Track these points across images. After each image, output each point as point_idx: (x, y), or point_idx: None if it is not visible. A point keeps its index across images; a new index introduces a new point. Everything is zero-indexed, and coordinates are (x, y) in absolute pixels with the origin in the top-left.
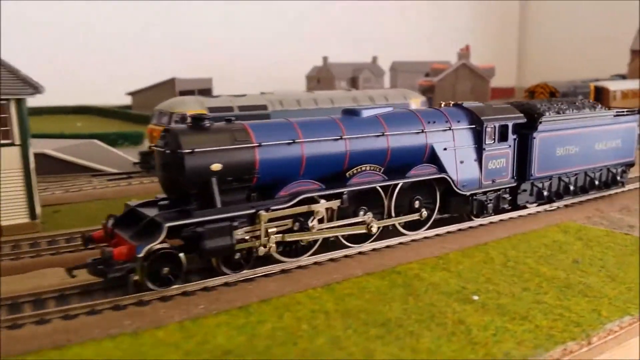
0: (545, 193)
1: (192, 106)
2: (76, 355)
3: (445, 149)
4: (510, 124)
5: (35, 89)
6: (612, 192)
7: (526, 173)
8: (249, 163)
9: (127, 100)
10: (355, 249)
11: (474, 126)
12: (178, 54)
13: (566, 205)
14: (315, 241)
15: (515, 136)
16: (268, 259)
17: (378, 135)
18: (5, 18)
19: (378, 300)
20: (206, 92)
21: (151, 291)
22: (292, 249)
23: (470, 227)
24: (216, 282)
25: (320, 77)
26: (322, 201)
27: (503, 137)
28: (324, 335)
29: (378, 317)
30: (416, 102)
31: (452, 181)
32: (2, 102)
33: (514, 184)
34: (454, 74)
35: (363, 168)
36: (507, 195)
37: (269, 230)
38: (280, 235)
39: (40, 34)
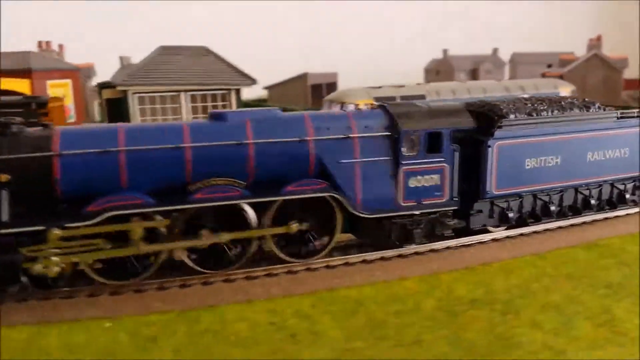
0: (510, 215)
1: (361, 96)
2: (344, 295)
3: (340, 161)
4: (444, 132)
5: (253, 80)
6: (618, 213)
7: (480, 190)
8: (44, 174)
9: (262, 94)
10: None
11: (388, 134)
12: (298, 49)
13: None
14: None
15: (454, 146)
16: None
17: (238, 144)
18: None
19: (593, 267)
20: (332, 86)
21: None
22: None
23: None
24: (446, 245)
25: (440, 70)
26: (159, 217)
27: (434, 148)
28: (557, 292)
29: (600, 281)
30: (566, 91)
31: (347, 201)
32: (224, 91)
33: (455, 207)
34: (585, 65)
35: (213, 182)
36: (449, 219)
37: (53, 252)
38: (63, 257)
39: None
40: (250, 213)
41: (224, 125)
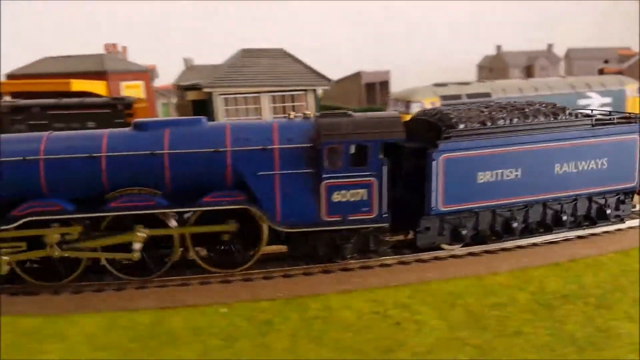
0: (464, 232)
1: (427, 95)
2: (438, 288)
3: (259, 173)
4: (371, 144)
5: (328, 80)
6: (595, 230)
7: (425, 206)
8: None
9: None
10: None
11: (311, 146)
12: (351, 46)
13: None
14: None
15: (383, 160)
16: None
17: (151, 154)
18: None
19: None
20: (385, 84)
21: None
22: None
23: None
24: (532, 241)
25: (493, 67)
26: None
27: (360, 161)
28: None
29: None
30: (632, 89)
31: (264, 213)
32: (302, 92)
33: (385, 224)
34: None
35: (129, 191)
36: (385, 235)
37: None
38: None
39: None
40: (172, 223)
41: (142, 135)
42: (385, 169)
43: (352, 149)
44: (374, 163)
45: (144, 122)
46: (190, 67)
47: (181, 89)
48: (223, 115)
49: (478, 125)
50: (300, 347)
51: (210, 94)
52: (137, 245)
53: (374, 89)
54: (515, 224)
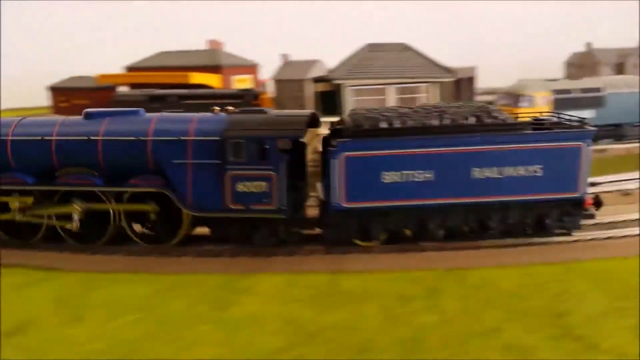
0: (374, 230)
1: (538, 88)
2: (591, 266)
3: (173, 161)
4: (269, 141)
5: (452, 73)
6: (533, 241)
7: (328, 202)
8: None
9: None
10: None
11: (219, 139)
12: (437, 43)
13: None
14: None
15: (283, 155)
16: None
17: (88, 140)
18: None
19: None
20: (471, 80)
21: None
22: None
23: None
24: None
25: (583, 64)
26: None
27: (261, 156)
28: None
29: None
30: None
31: (177, 198)
32: (425, 84)
33: (283, 216)
34: None
35: (71, 170)
36: (297, 228)
37: None
38: None
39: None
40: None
41: (87, 123)
42: (283, 164)
43: (255, 144)
44: (273, 158)
45: (90, 112)
46: (287, 63)
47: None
48: (351, 106)
49: (385, 125)
50: (474, 308)
51: (338, 85)
52: (75, 216)
53: (460, 84)
54: (431, 226)
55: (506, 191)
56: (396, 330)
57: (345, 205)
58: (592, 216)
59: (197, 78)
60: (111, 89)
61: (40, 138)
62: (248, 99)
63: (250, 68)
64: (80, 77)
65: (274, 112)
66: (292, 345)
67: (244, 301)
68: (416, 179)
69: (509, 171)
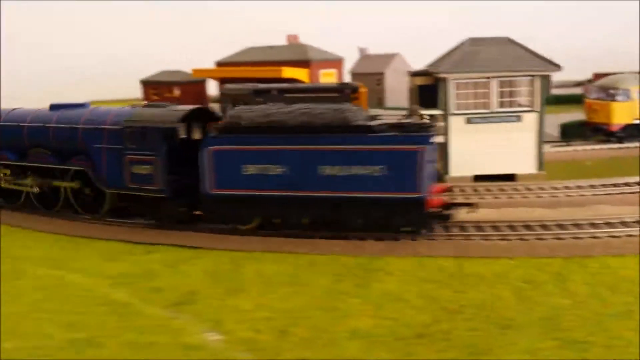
0: (241, 216)
1: (634, 82)
2: None
3: (94, 146)
4: (150, 130)
5: (557, 67)
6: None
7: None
8: None
9: None
10: None
11: (122, 127)
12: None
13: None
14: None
15: (164, 144)
16: None
17: (43, 126)
18: None
19: None
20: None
21: None
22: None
23: None
24: None
25: None
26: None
27: (148, 143)
28: None
29: None
30: None
31: (94, 176)
32: (530, 77)
33: (163, 195)
34: None
35: (34, 151)
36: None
37: None
38: None
39: None
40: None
41: (49, 113)
42: (164, 151)
43: (141, 133)
44: (155, 145)
45: (52, 105)
46: (365, 56)
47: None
48: (454, 99)
49: (247, 123)
50: (600, 292)
51: (440, 79)
52: (35, 188)
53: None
54: (293, 216)
55: (351, 188)
56: (532, 310)
57: (213, 192)
58: (447, 217)
59: (288, 72)
60: (200, 82)
61: (16, 125)
62: (347, 92)
63: (336, 62)
64: (171, 72)
65: (172, 106)
66: (437, 320)
67: (383, 279)
68: (271, 173)
69: (353, 170)
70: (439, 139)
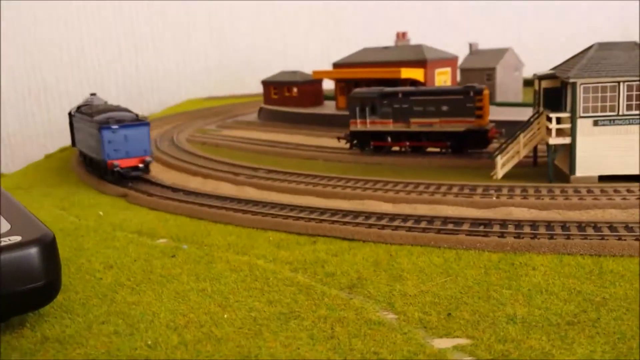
0: None
1: None
2: None
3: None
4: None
5: None
6: None
7: None
8: None
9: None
10: None
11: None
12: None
13: None
14: None
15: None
16: None
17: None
18: None
19: None
20: None
21: None
22: None
23: None
24: None
25: None
26: None
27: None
28: None
29: None
30: None
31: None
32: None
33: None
34: None
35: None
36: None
37: None
38: None
39: None
40: None
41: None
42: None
43: None
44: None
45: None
46: (474, 52)
47: (537, 78)
48: (582, 103)
49: None
50: None
51: (566, 82)
52: None
53: None
54: None
55: None
56: None
57: None
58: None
59: (406, 73)
60: (317, 82)
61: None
62: (472, 94)
63: (450, 61)
64: (290, 72)
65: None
66: (584, 310)
67: (529, 273)
68: None
69: None
70: (565, 140)
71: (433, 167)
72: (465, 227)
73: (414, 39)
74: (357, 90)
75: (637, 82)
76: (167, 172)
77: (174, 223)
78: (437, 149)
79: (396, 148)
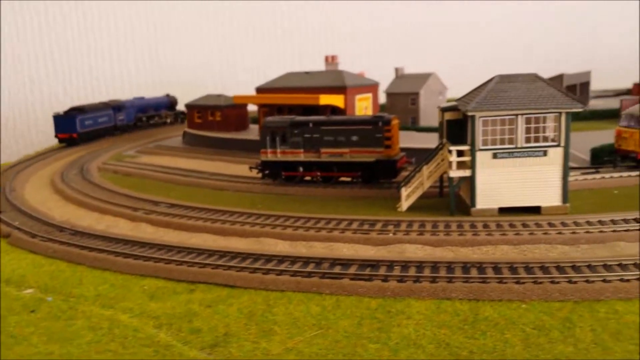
0: None
1: None
2: None
3: None
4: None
5: (583, 104)
6: None
7: None
8: None
9: None
10: None
11: None
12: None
13: None
14: None
15: None
16: None
17: None
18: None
19: None
20: (586, 85)
21: None
22: None
23: None
24: None
25: None
26: None
27: None
28: None
29: None
30: None
31: None
32: (555, 114)
33: None
34: None
35: None
36: None
37: None
38: None
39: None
40: None
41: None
42: None
43: None
44: None
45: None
46: (400, 76)
47: (440, 110)
48: (481, 135)
49: None
50: (604, 339)
51: (469, 116)
52: None
53: (575, 90)
54: None
55: None
56: (536, 358)
57: None
58: None
59: (325, 99)
60: (242, 106)
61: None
62: (381, 125)
63: (371, 87)
64: (215, 96)
65: None
66: None
67: (402, 324)
68: None
69: None
70: (465, 172)
71: (344, 198)
72: (352, 269)
73: (347, 62)
74: (268, 119)
75: (535, 115)
76: (66, 206)
77: (48, 269)
78: (349, 179)
79: (308, 178)
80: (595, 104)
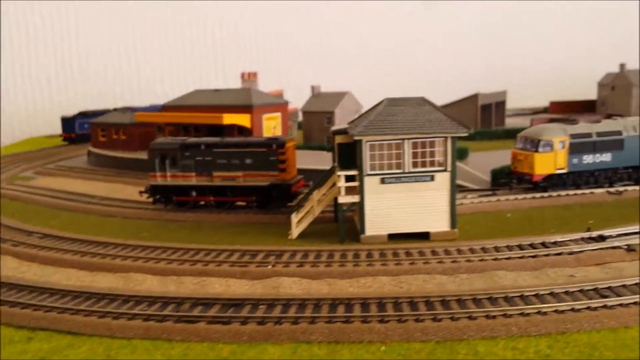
0: None
1: (557, 133)
2: (576, 339)
3: None
4: None
5: (467, 128)
6: None
7: None
8: None
9: None
10: None
11: None
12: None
13: None
14: None
15: None
16: None
17: None
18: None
19: None
20: (501, 105)
21: None
22: None
23: None
24: None
25: (616, 85)
26: None
27: None
28: None
29: None
30: None
31: None
32: (442, 138)
33: None
34: None
35: None
36: None
37: None
38: None
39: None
40: None
41: None
42: None
43: None
44: None
45: None
46: (316, 95)
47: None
48: (369, 160)
49: None
50: None
51: (357, 140)
52: None
53: (490, 109)
54: None
55: None
56: None
57: None
58: None
59: (229, 119)
60: (150, 124)
61: None
62: (275, 147)
63: (279, 106)
64: (121, 112)
65: None
66: None
67: None
68: None
69: None
70: (354, 198)
71: (236, 224)
72: (213, 311)
73: (270, 80)
74: (157, 141)
75: (421, 140)
76: None
77: None
78: (244, 203)
79: (202, 202)
80: (513, 122)
